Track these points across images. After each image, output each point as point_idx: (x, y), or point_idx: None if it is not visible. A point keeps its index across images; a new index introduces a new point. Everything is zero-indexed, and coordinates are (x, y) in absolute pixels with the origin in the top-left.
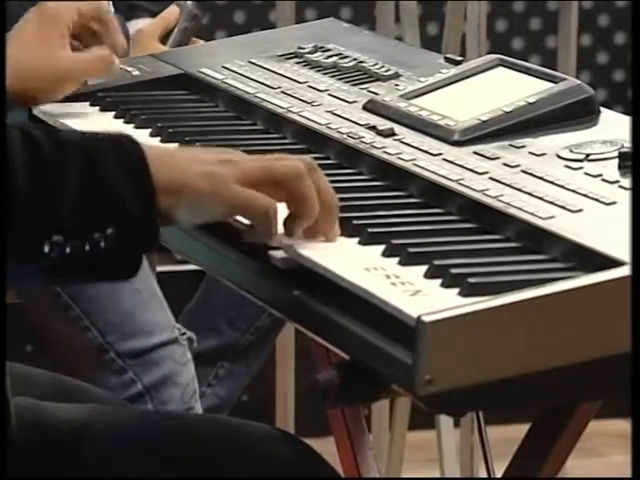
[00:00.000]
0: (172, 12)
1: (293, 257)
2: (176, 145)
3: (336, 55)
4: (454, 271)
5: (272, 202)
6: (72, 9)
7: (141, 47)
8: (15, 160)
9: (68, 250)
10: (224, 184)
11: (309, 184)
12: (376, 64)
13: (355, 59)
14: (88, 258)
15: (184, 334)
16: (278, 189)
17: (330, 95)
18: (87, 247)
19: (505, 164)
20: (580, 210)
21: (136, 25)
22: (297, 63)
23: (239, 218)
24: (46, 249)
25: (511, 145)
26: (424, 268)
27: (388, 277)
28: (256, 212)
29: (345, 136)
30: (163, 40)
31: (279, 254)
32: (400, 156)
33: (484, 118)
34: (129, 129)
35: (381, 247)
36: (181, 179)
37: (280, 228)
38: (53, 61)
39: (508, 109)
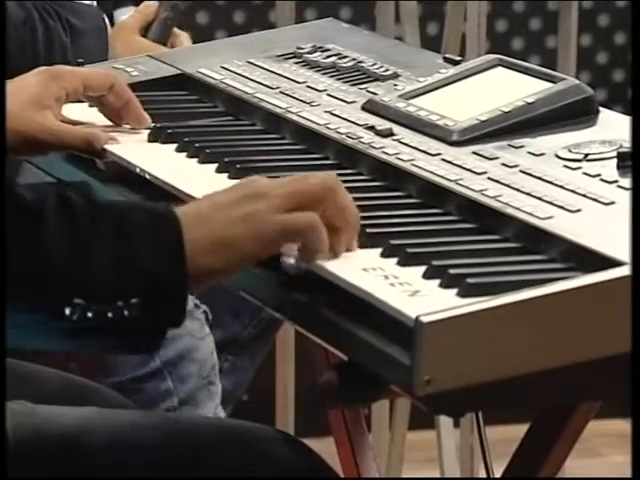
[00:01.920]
0: (151, 4)
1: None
2: (177, 155)
3: (335, 55)
4: (453, 271)
5: (315, 216)
6: (79, 78)
7: (122, 41)
8: (49, 222)
9: (90, 315)
10: (262, 220)
11: (345, 195)
12: (375, 64)
13: (354, 59)
14: (110, 325)
15: (198, 307)
16: (316, 208)
17: (329, 95)
18: (110, 314)
19: (504, 164)
20: (579, 210)
21: (121, 15)
22: (296, 63)
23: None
24: (67, 311)
25: (510, 145)
26: (423, 268)
27: (387, 277)
28: (301, 231)
29: (344, 136)
30: (144, 32)
31: (290, 260)
32: (399, 156)
33: (483, 118)
34: (127, 129)
35: (380, 247)
36: (218, 233)
37: None
38: (34, 121)
39: (507, 109)
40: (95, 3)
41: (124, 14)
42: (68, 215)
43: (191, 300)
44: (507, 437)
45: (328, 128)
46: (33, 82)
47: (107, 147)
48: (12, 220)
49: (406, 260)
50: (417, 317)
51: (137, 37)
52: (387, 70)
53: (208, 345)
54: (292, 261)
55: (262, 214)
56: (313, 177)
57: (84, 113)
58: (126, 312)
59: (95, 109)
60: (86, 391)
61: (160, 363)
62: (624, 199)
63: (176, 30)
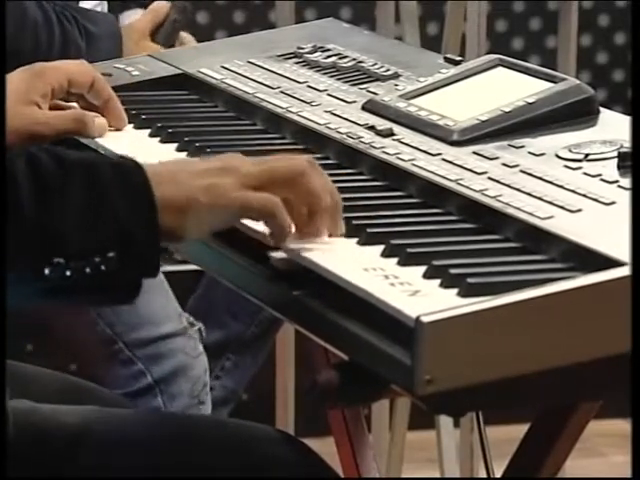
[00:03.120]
0: (161, 6)
1: (292, 258)
2: (178, 155)
3: (335, 55)
4: (453, 271)
5: (273, 198)
6: (63, 73)
7: (132, 44)
8: (19, 183)
9: (68, 273)
10: (224, 194)
11: (315, 178)
12: (375, 64)
13: (354, 59)
14: (88, 281)
15: (193, 325)
16: (284, 189)
17: (329, 95)
18: (87, 270)
19: (504, 164)
20: (579, 210)
21: (128, 17)
22: (296, 63)
23: (254, 227)
24: (47, 271)
25: (510, 145)
26: (423, 268)
27: (387, 277)
28: (259, 212)
29: (344, 136)
30: (153, 35)
31: (278, 255)
32: (399, 156)
33: (483, 118)
34: (128, 129)
35: (380, 247)
36: (183, 196)
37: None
38: (24, 116)
39: (507, 109)
40: (106, 6)
41: (130, 17)
42: (37, 175)
43: (185, 318)
44: (507, 437)
45: (329, 128)
46: (18, 80)
47: (107, 146)
48: None
49: (406, 260)
50: (417, 317)
51: (146, 40)
52: (388, 70)
53: (201, 364)
54: (280, 255)
55: (226, 188)
56: (286, 159)
57: None
58: (103, 267)
59: None
60: (85, 392)
61: (152, 380)
62: (624, 199)
63: (183, 34)
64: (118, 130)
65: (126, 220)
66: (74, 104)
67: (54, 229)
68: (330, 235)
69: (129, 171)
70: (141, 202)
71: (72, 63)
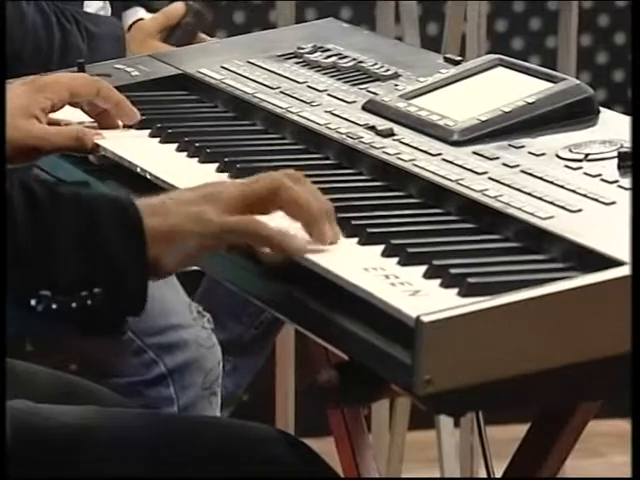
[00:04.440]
0: (176, 9)
1: (293, 257)
2: (177, 156)
3: (335, 55)
4: (453, 271)
5: (248, 217)
6: (64, 87)
7: (137, 43)
8: (13, 213)
9: (54, 306)
10: (205, 220)
11: (296, 190)
12: (375, 64)
13: (354, 59)
14: (73, 314)
15: (202, 315)
16: (270, 206)
17: (329, 95)
18: (74, 304)
19: (504, 164)
20: (579, 210)
21: (128, 17)
22: (296, 63)
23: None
24: (33, 302)
25: (510, 145)
26: (423, 268)
27: (387, 277)
28: (241, 234)
29: (344, 136)
30: (164, 37)
31: (266, 250)
32: (399, 156)
33: (483, 118)
34: (129, 129)
35: (380, 247)
36: (170, 225)
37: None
38: (23, 129)
39: (507, 109)
40: (109, 7)
41: (130, 16)
42: (32, 207)
43: (195, 308)
44: (507, 437)
45: (329, 128)
46: (20, 93)
47: (108, 146)
48: None
49: (407, 260)
50: (418, 317)
51: (153, 40)
52: (388, 70)
53: (215, 355)
54: (268, 250)
55: (209, 214)
56: (262, 179)
57: (70, 112)
58: (89, 302)
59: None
60: (85, 392)
61: (165, 370)
62: (625, 199)
63: (202, 36)
64: (128, 126)
65: (118, 258)
66: (72, 120)
67: (44, 261)
68: (320, 243)
69: (123, 210)
70: (134, 242)
71: (74, 75)
